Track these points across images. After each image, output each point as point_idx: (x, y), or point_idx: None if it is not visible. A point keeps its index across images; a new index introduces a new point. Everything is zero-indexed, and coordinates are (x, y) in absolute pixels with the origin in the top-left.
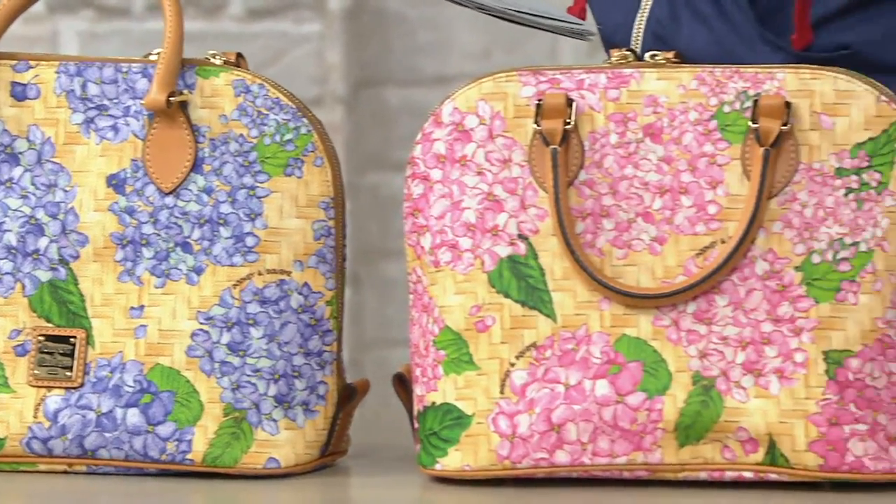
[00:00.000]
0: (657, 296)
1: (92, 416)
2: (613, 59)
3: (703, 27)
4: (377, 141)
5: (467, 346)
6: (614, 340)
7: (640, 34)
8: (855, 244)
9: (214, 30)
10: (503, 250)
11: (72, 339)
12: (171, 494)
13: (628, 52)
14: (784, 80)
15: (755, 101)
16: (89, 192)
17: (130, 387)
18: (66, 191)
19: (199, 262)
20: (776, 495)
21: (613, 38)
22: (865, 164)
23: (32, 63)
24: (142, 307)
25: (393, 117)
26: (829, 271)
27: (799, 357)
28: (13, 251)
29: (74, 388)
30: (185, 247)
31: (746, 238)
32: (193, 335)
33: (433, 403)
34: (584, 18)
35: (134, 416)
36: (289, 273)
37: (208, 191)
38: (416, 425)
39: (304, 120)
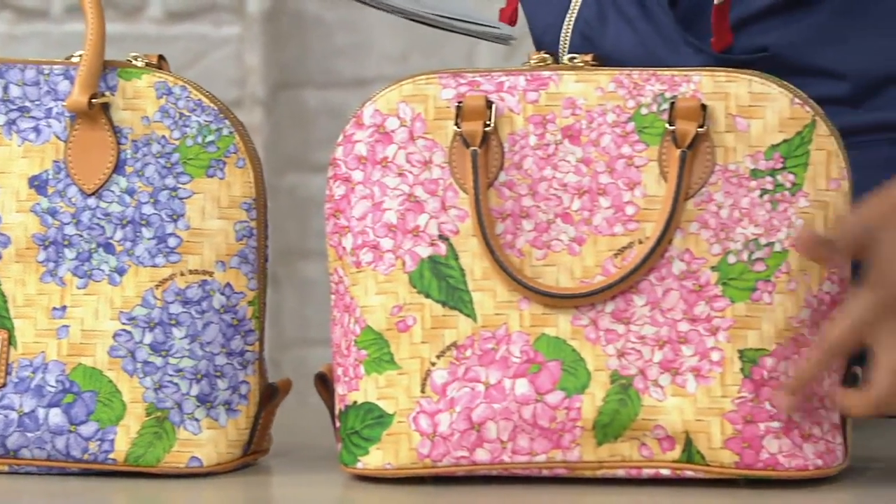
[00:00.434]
0: (576, 296)
1: (14, 416)
2: (532, 61)
3: (628, 28)
4: (296, 142)
5: (388, 345)
6: (534, 340)
7: (568, 35)
8: (770, 244)
9: (134, 32)
10: (424, 251)
11: None
12: (94, 494)
13: (547, 55)
14: (700, 83)
15: (672, 104)
16: (11, 194)
17: (53, 387)
18: None
19: (122, 263)
20: (693, 492)
21: (543, 38)
22: (780, 165)
23: None
24: (64, 308)
25: (311, 119)
26: (745, 271)
27: (715, 356)
28: None
29: None
30: (108, 248)
31: (663, 238)
32: (116, 335)
33: (355, 403)
34: (516, 19)
35: (56, 416)
36: (211, 273)
37: (130, 192)
38: (338, 424)
39: (226, 122)
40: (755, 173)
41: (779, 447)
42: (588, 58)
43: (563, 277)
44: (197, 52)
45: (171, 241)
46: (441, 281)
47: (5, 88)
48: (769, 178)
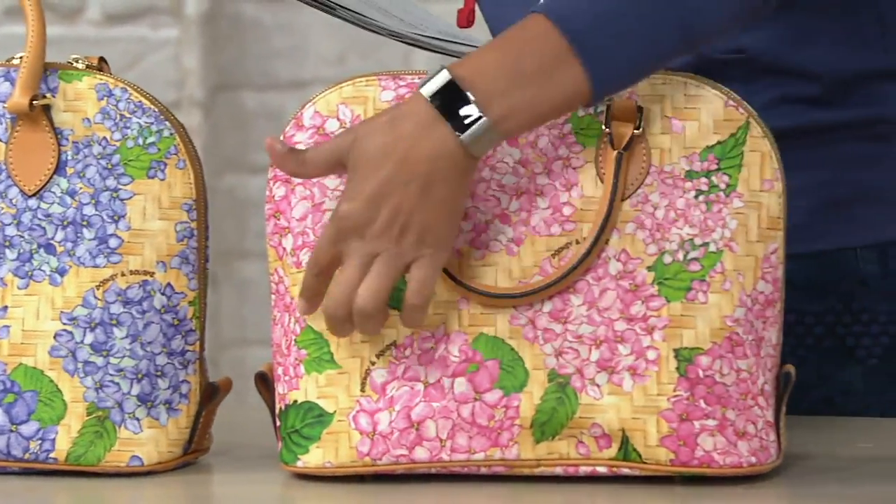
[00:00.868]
0: (514, 296)
1: None
2: None
3: None
4: (234, 144)
5: (328, 345)
6: (472, 339)
7: None
8: (704, 245)
9: (72, 34)
10: None
11: None
12: (35, 493)
13: None
14: (636, 86)
15: (608, 106)
16: None
17: None
18: None
19: (63, 264)
20: (629, 489)
21: None
22: (714, 166)
23: None
24: (5, 308)
25: (250, 121)
26: (680, 271)
27: (651, 355)
28: None
29: None
30: (49, 248)
31: (600, 239)
32: (57, 335)
33: (295, 401)
34: (473, 19)
35: None
36: (152, 274)
37: (71, 193)
38: (278, 423)
39: (167, 123)
40: (690, 174)
41: (713, 445)
42: None
43: (501, 277)
44: (135, 54)
45: (112, 242)
46: None
47: None
48: (704, 179)
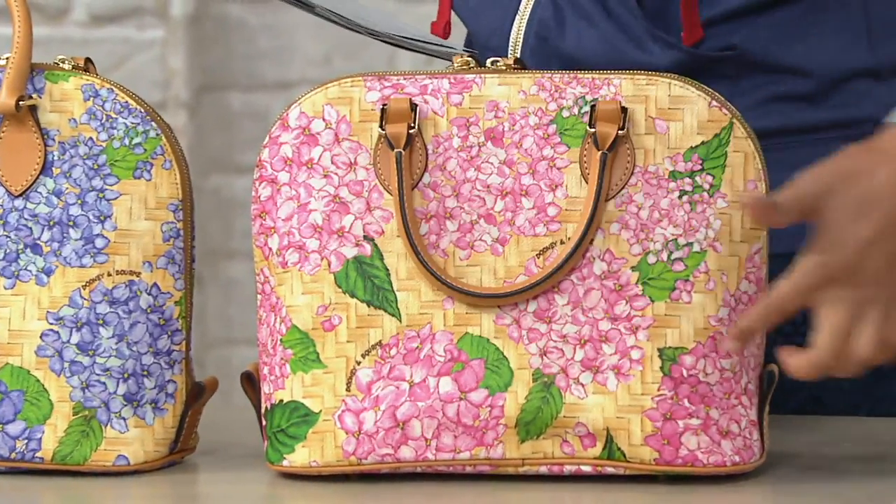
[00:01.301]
0: (499, 295)
1: None
2: (456, 65)
3: (589, 27)
4: (219, 144)
5: (314, 344)
6: (457, 339)
7: (520, 37)
8: (689, 244)
9: (58, 35)
10: (349, 251)
11: None
12: (21, 492)
13: (470, 59)
14: (620, 86)
15: (592, 107)
16: None
17: None
18: None
19: (49, 264)
20: (613, 488)
21: (490, 42)
22: (698, 167)
23: None
24: None
25: (235, 121)
26: (664, 271)
27: (635, 354)
28: None
29: None
30: (35, 248)
31: (585, 239)
32: (43, 335)
33: (281, 401)
34: (449, 31)
35: None
36: (138, 274)
37: (58, 193)
38: (264, 422)
39: (153, 124)
40: (674, 175)
41: (697, 444)
42: (510, 61)
43: (486, 277)
44: (121, 55)
45: (99, 242)
46: (366, 281)
47: None
48: (688, 180)
